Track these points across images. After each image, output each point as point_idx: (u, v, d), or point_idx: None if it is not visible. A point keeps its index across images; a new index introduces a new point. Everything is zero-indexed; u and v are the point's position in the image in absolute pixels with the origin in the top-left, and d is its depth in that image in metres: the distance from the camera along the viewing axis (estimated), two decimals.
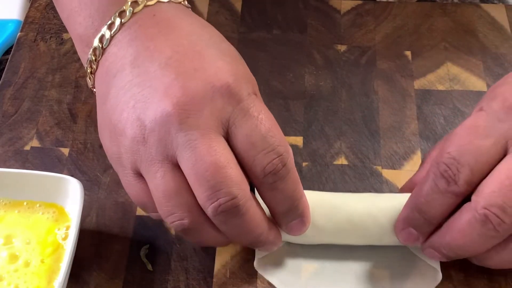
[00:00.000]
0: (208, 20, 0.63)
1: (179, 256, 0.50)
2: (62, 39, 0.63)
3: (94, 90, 0.47)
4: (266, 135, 0.41)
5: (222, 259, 0.49)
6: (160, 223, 0.51)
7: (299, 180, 0.43)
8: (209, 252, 0.50)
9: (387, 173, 0.54)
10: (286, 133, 0.55)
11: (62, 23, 0.64)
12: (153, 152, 0.41)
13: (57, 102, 0.58)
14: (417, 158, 0.54)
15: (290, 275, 0.47)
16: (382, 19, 0.63)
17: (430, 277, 0.46)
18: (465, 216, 0.41)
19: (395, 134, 0.56)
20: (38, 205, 0.49)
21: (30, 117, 0.57)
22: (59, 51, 0.62)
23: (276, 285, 0.47)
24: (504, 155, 0.42)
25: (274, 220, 0.45)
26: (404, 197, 0.45)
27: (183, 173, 0.41)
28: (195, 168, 0.40)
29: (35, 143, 0.56)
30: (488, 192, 0.40)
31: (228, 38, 0.61)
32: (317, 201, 0.46)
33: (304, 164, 0.54)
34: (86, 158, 0.55)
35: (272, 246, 0.46)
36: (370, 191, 0.52)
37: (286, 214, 0.44)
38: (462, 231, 0.41)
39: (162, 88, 0.41)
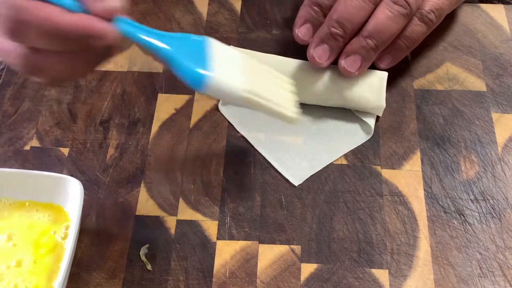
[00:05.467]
0: (207, 20, 0.63)
1: (178, 256, 0.50)
2: None
3: None
4: None
5: (222, 259, 0.49)
6: (160, 223, 0.51)
7: None
8: (209, 252, 0.50)
9: (386, 173, 0.54)
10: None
11: None
12: None
13: (57, 102, 0.58)
14: (416, 158, 0.54)
15: (247, 119, 0.57)
16: None
17: (363, 133, 0.56)
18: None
19: (395, 134, 0.56)
20: (36, 205, 0.49)
21: (30, 117, 0.57)
22: None
23: (234, 125, 0.56)
24: None
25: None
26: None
27: None
28: None
29: (35, 143, 0.56)
30: None
31: (228, 38, 0.62)
32: (275, 63, 0.55)
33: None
34: (86, 158, 0.55)
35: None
36: (369, 191, 0.53)
37: None
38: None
39: None
